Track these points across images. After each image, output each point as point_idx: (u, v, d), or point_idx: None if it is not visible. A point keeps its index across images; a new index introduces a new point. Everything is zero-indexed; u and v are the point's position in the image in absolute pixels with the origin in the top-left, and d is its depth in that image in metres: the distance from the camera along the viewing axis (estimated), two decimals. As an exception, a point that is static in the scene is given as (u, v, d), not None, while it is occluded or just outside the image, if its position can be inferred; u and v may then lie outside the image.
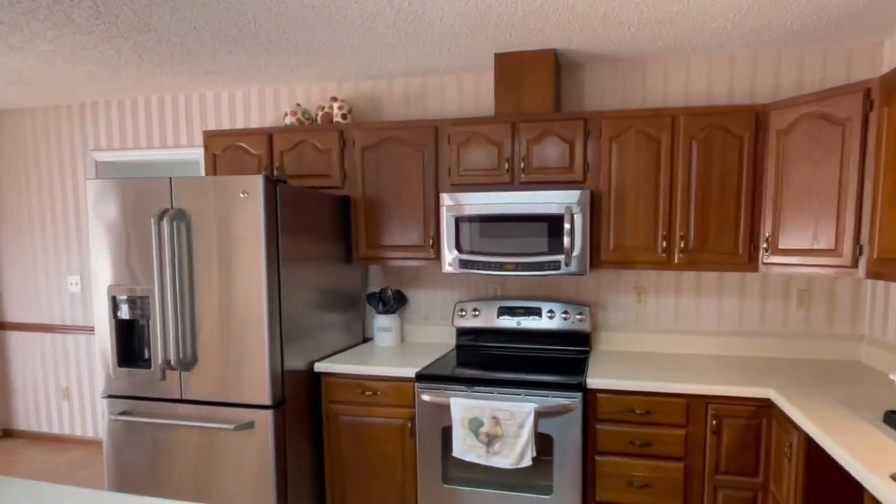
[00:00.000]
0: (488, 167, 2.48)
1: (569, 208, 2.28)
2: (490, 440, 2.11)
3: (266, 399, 2.17)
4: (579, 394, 2.10)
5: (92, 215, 2.26)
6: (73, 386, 3.59)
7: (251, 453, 2.19)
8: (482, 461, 2.12)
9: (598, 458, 2.15)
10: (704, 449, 2.07)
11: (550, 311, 2.65)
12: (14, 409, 3.74)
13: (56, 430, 3.67)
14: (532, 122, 2.41)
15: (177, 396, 2.25)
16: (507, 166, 2.45)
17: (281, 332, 2.22)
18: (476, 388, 2.20)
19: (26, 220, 3.58)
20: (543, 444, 2.13)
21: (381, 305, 2.84)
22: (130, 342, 2.34)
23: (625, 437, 2.12)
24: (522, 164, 2.43)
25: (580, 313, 2.62)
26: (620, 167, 2.34)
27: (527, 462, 2.07)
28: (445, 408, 2.21)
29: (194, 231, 2.17)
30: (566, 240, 2.28)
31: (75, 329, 3.53)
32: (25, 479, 3.09)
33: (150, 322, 2.23)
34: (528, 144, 2.43)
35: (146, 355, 2.31)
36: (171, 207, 2.18)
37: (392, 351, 2.72)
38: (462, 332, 2.79)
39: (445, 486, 2.27)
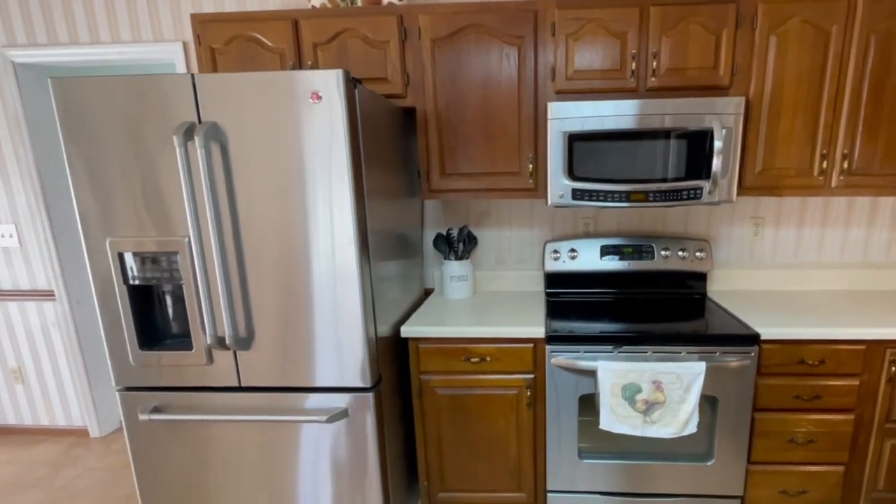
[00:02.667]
0: (607, 67, 2.00)
1: (720, 121, 1.88)
2: (648, 408, 1.81)
3: (363, 379, 1.74)
4: (755, 347, 1.81)
5: (65, 136, 1.53)
6: (26, 366, 2.91)
7: (343, 447, 1.80)
8: (637, 432, 1.83)
9: (756, 415, 1.92)
10: (877, 398, 1.91)
11: (666, 249, 2.32)
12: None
13: (12, 421, 3.03)
14: (667, 5, 1.92)
15: (232, 384, 1.77)
16: (632, 67, 1.97)
17: (372, 291, 1.70)
18: (625, 347, 1.84)
19: None
20: (703, 405, 1.85)
21: (449, 250, 2.35)
22: (149, 315, 1.74)
23: (790, 391, 1.91)
24: (655, 64, 1.96)
25: (700, 250, 2.31)
26: (778, 68, 1.96)
27: (691, 429, 1.81)
28: (586, 373, 1.88)
29: (233, 155, 1.54)
30: (715, 161, 1.91)
31: (17, 294, 2.79)
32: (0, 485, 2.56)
33: (185, 287, 1.65)
34: (661, 37, 1.94)
35: (174, 332, 1.79)
36: (199, 120, 1.50)
37: (472, 304, 2.29)
38: (554, 278, 2.41)
39: (583, 461, 1.96)
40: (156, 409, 1.76)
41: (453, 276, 2.38)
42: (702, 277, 2.36)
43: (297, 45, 2.05)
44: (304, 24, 2.03)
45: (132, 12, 2.38)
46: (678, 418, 1.80)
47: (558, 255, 2.38)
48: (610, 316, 2.12)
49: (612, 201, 2.02)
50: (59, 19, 2.42)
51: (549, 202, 2.04)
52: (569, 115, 1.96)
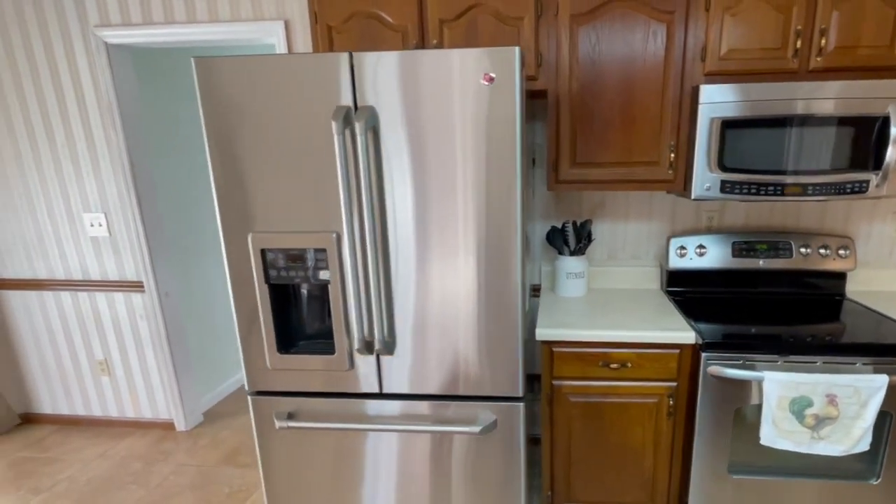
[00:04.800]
0: (767, 46, 1.78)
1: (899, 107, 1.66)
2: (818, 423, 1.64)
3: (516, 388, 1.59)
4: (944, 358, 1.61)
5: (206, 122, 1.37)
6: (113, 358, 2.82)
7: (489, 459, 1.66)
8: (802, 449, 1.66)
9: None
10: None
11: (805, 246, 2.11)
12: (32, 389, 2.97)
13: (97, 413, 2.95)
14: (843, -26, 1.69)
15: (373, 390, 1.62)
16: (795, 45, 1.75)
17: (524, 291, 1.54)
18: (791, 356, 1.66)
19: (6, 141, 2.55)
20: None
21: (564, 244, 2.18)
22: (285, 316, 1.61)
23: (971, 407, 1.69)
24: (823, 42, 1.74)
25: (843, 248, 2.11)
26: (968, 47, 1.71)
27: (863, 447, 1.65)
28: (743, 384, 1.70)
29: (385, 142, 1.37)
30: (890, 151, 1.68)
31: (105, 285, 2.68)
32: (91, 477, 2.53)
33: (331, 286, 1.51)
34: (832, 11, 1.72)
35: (308, 334, 1.66)
36: (356, 105, 1.33)
37: (592, 304, 2.13)
38: (679, 276, 2.22)
39: (733, 476, 1.80)
40: (290, 416, 1.63)
41: (569, 272, 2.20)
42: (842, 277, 2.16)
43: (420, 23, 1.86)
44: (431, 1, 1.84)
45: None
46: (851, 435, 1.63)
47: (685, 251, 2.19)
48: (755, 319, 1.93)
49: (766, 195, 1.82)
50: None
51: (693, 195, 1.85)
52: (724, 100, 1.75)
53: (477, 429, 1.56)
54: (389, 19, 1.87)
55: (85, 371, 2.85)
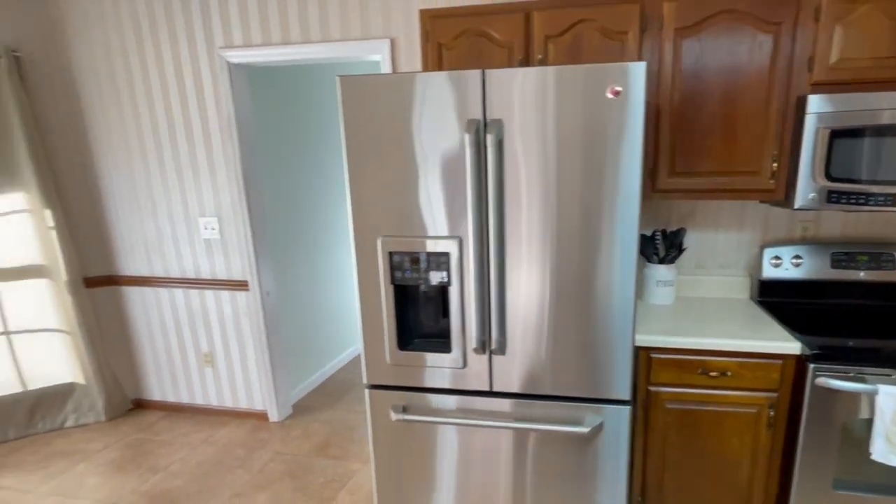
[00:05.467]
0: (880, 55, 1.72)
1: None
2: (937, 440, 1.54)
3: (624, 391, 1.60)
4: None
5: (347, 134, 1.46)
6: (217, 351, 2.99)
7: (592, 460, 1.67)
8: (918, 466, 1.57)
9: None
10: None
11: (910, 257, 2.01)
12: (145, 377, 3.18)
13: (199, 401, 3.13)
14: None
15: (483, 388, 1.66)
16: (911, 53, 1.69)
17: (635, 297, 1.55)
18: (906, 370, 1.59)
19: (136, 148, 2.78)
20: None
21: (654, 252, 2.16)
22: (405, 315, 1.69)
23: None
24: (942, 49, 1.67)
25: (953, 259, 1.99)
26: None
27: None
28: (852, 397, 1.65)
29: (507, 153, 1.43)
30: None
31: (214, 283, 2.86)
32: (200, 460, 2.69)
33: (452, 289, 1.57)
34: (952, 18, 1.65)
35: (425, 332, 1.72)
36: (485, 118, 1.38)
37: (683, 312, 2.11)
38: (772, 286, 2.16)
39: (837, 492, 1.74)
40: (405, 409, 1.70)
41: (659, 280, 2.19)
42: (946, 290, 2.05)
43: (526, 39, 1.91)
44: (538, 16, 1.88)
45: (344, 11, 2.33)
46: (974, 452, 1.55)
47: (779, 261, 2.14)
48: (859, 332, 1.87)
49: (874, 205, 1.76)
50: (273, 20, 2.42)
51: (797, 204, 1.81)
52: (832, 109, 1.71)
53: (585, 430, 1.57)
54: (497, 36, 1.93)
55: (191, 362, 3.03)
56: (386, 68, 2.29)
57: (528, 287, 1.54)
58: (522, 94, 1.41)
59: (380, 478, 1.82)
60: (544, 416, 1.64)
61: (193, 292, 2.88)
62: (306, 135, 3.35)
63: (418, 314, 1.70)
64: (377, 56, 2.29)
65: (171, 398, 3.13)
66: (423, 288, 1.66)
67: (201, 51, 2.54)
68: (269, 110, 2.97)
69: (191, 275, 2.87)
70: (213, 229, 2.74)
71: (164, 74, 2.62)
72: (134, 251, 2.92)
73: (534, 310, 1.55)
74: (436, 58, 1.98)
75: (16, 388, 2.79)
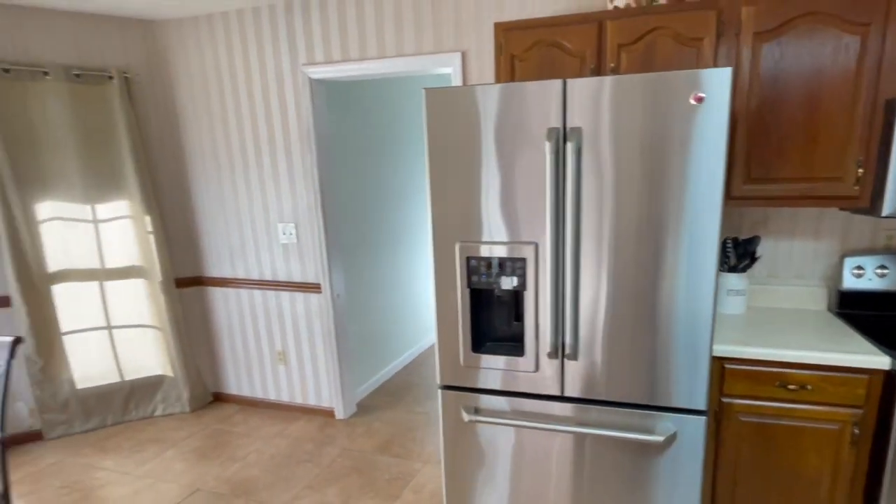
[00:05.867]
0: (982, 54, 1.60)
1: None
2: None
3: (700, 401, 1.55)
4: None
5: (430, 143, 1.52)
6: (290, 349, 3.12)
7: (665, 471, 1.62)
8: None
9: None
10: None
11: None
12: (223, 373, 3.36)
13: (272, 397, 3.28)
14: None
15: (554, 392, 1.66)
16: None
17: (715, 304, 1.51)
18: None
19: (224, 159, 2.97)
20: None
21: (725, 260, 2.09)
22: (478, 319, 1.72)
23: None
24: None
25: None
26: None
27: None
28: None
29: (585, 160, 1.45)
30: None
31: (291, 286, 3.00)
32: (273, 453, 2.81)
33: (527, 293, 1.60)
34: None
35: (498, 336, 1.74)
36: (565, 126, 1.40)
37: (754, 321, 2.03)
38: (853, 297, 2.04)
39: (935, 516, 1.60)
40: (476, 411, 1.72)
41: (730, 289, 2.11)
42: None
43: (598, 48, 1.92)
44: (611, 26, 1.88)
45: (418, 26, 2.41)
46: None
47: (862, 271, 2.02)
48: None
49: (979, 213, 1.64)
50: (352, 37, 2.54)
51: (885, 212, 1.70)
52: (929, 113, 1.61)
53: (660, 438, 1.54)
54: (569, 46, 1.94)
55: (266, 359, 3.18)
56: (456, 80, 2.35)
57: (602, 293, 1.53)
58: (602, 102, 1.41)
59: (449, 477, 1.85)
60: (615, 423, 1.61)
61: (270, 293, 3.04)
62: (376, 144, 3.46)
63: (492, 318, 1.72)
64: (448, 68, 2.36)
65: (246, 392, 3.29)
66: (497, 292, 1.68)
67: (286, 68, 2.70)
68: (344, 121, 3.10)
69: (269, 277, 3.02)
70: (290, 234, 2.88)
71: (251, 92, 2.79)
72: (219, 254, 3.11)
73: (608, 316, 1.54)
74: (508, 69, 2.01)
75: (115, 379, 3.03)
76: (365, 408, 3.26)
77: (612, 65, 1.91)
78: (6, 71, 2.51)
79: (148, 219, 2.91)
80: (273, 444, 2.83)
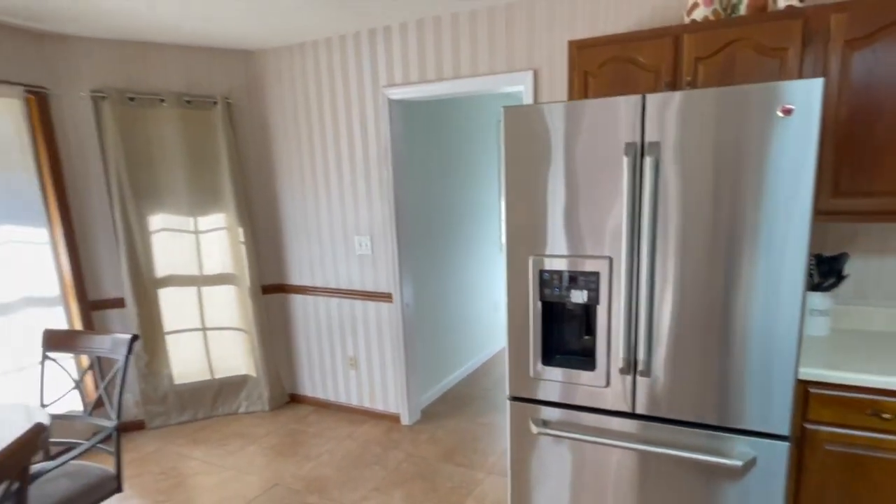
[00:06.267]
0: None
1: None
2: None
3: (783, 426, 1.45)
4: None
5: (507, 157, 1.55)
6: (360, 355, 3.24)
7: (737, 498, 1.52)
8: None
9: None
10: None
11: None
12: (299, 375, 3.54)
13: (343, 400, 3.41)
14: None
15: (625, 409, 1.62)
16: None
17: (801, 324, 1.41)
18: None
19: (309, 176, 3.18)
20: None
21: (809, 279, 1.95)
22: (549, 332, 1.71)
23: None
24: None
25: None
26: None
27: None
28: None
29: (664, 175, 1.41)
30: None
31: (364, 295, 3.13)
32: (344, 454, 2.88)
33: (600, 308, 1.57)
34: None
35: (568, 349, 1.71)
36: (643, 141, 1.38)
37: (842, 344, 1.87)
38: (970, 322, 1.82)
39: None
40: (544, 423, 1.71)
41: (813, 309, 1.96)
42: None
43: (674, 62, 1.88)
44: (688, 39, 1.84)
45: (492, 47, 2.48)
46: None
47: (977, 293, 1.81)
48: None
49: None
50: (429, 59, 2.66)
51: None
52: None
53: (738, 463, 1.44)
54: (643, 61, 1.92)
55: (338, 364, 3.31)
56: (528, 97, 2.38)
57: (678, 309, 1.48)
58: (681, 116, 1.38)
59: (515, 487, 1.83)
60: (686, 443, 1.54)
61: (345, 301, 3.17)
62: (445, 160, 3.56)
63: (562, 331, 1.71)
64: (520, 86, 2.40)
65: (320, 395, 3.44)
66: (569, 305, 1.67)
67: (367, 90, 2.85)
68: (416, 139, 3.23)
69: (344, 286, 3.16)
70: (365, 246, 3.02)
71: (336, 113, 2.97)
72: (301, 265, 3.31)
73: (684, 332, 1.49)
74: (581, 85, 2.02)
75: (206, 376, 3.27)
76: (428, 415, 3.30)
77: (689, 78, 1.87)
78: (131, 99, 2.85)
79: (241, 230, 3.15)
80: (343, 445, 2.93)
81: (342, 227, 3.10)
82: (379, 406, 3.24)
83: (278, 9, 2.39)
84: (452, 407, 3.43)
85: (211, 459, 2.82)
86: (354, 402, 3.32)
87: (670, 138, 1.41)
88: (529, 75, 2.35)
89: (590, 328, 1.66)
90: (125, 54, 2.80)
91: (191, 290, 3.14)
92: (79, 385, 2.10)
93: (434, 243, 3.48)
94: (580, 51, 1.99)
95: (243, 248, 3.16)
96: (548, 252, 1.59)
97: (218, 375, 3.29)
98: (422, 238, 3.33)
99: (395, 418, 3.19)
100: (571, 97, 2.05)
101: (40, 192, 2.66)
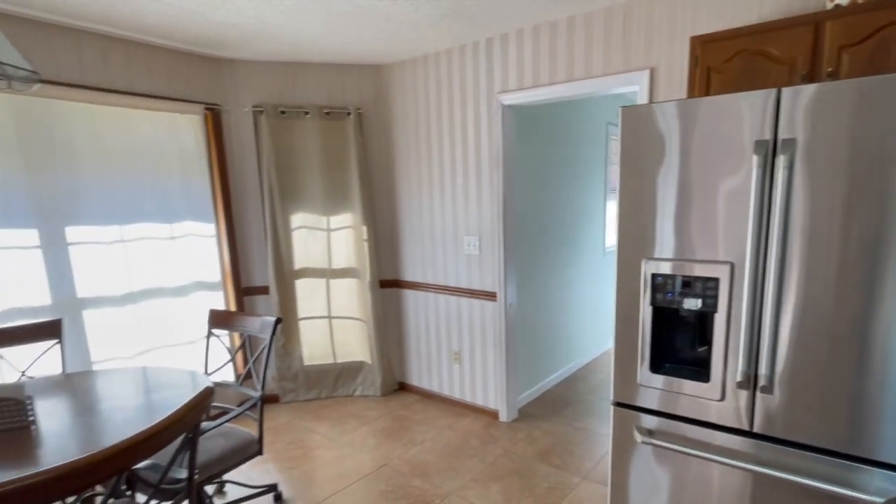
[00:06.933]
0: None
1: None
2: None
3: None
4: None
5: (623, 158, 1.49)
6: (464, 351, 3.32)
7: None
8: None
9: None
10: None
11: None
12: (408, 365, 3.72)
13: (446, 392, 3.52)
14: None
15: (742, 426, 1.46)
16: None
17: None
18: None
19: (425, 179, 3.34)
20: None
21: None
22: (659, 338, 1.61)
23: None
24: None
25: None
26: None
27: None
28: None
29: (798, 174, 1.24)
30: None
31: (471, 293, 3.20)
32: (445, 443, 2.91)
33: (717, 316, 1.44)
34: None
35: (681, 358, 1.58)
36: (776, 138, 1.23)
37: None
38: None
39: None
40: (649, 433, 1.60)
41: None
42: None
43: (813, 52, 1.66)
44: (831, 26, 1.62)
45: (608, 47, 2.41)
46: None
47: None
48: None
49: None
50: (543, 63, 2.66)
51: None
52: None
53: (878, 500, 1.22)
54: (776, 53, 1.72)
55: (443, 357, 3.43)
56: (643, 97, 2.27)
57: (808, 321, 1.29)
58: (826, 110, 1.22)
59: (614, 495, 1.73)
60: (813, 472, 1.33)
61: (452, 299, 3.27)
62: (552, 163, 3.52)
63: (674, 338, 1.58)
64: (634, 87, 2.30)
65: (425, 385, 3.58)
66: (682, 312, 1.55)
67: (482, 97, 2.93)
68: (526, 142, 3.24)
69: (452, 283, 3.26)
70: (474, 246, 3.09)
71: (452, 119, 3.09)
72: (414, 263, 3.48)
73: (814, 347, 1.30)
74: (703, 82, 1.86)
75: (329, 360, 3.59)
76: (526, 414, 3.26)
77: (830, 69, 1.63)
78: (283, 113, 3.24)
79: (364, 229, 3.41)
80: (445, 435, 3.01)
81: (453, 227, 3.20)
82: (479, 401, 3.28)
83: (410, 27, 2.58)
84: (549, 408, 3.36)
85: (331, 435, 3.07)
86: (456, 395, 3.40)
87: (808, 134, 1.24)
88: (646, 75, 2.23)
89: (704, 337, 1.52)
90: (278, 74, 3.19)
91: (320, 282, 3.46)
92: (233, 358, 2.43)
93: (538, 245, 3.44)
94: (704, 46, 1.84)
95: (366, 246, 3.41)
96: (662, 255, 1.49)
97: (339, 360, 3.58)
98: (527, 239, 3.32)
99: (493, 414, 3.20)
100: (692, 95, 1.90)
101: (211, 193, 3.15)
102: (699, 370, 1.52)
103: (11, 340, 2.13)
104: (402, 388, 3.72)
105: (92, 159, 2.57)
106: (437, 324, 3.40)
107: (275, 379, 3.48)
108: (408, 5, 2.28)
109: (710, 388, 1.46)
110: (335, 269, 3.48)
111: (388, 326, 3.64)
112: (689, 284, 1.45)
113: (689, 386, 1.51)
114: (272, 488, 2.43)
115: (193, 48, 2.87)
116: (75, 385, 1.93)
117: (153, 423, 1.16)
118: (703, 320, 1.53)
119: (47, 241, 2.43)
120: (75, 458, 1.02)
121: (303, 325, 3.47)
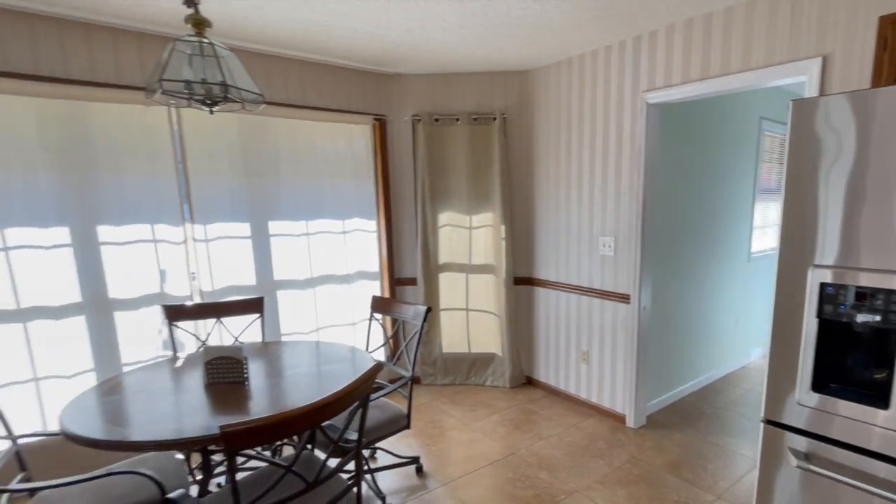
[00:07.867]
0: None
1: None
2: None
3: None
4: None
5: (791, 155, 1.33)
6: (593, 351, 3.22)
7: None
8: None
9: None
10: None
11: None
12: (536, 361, 3.73)
13: (572, 391, 3.45)
14: None
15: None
16: None
17: None
18: None
19: (563, 179, 3.32)
20: None
21: None
22: (824, 355, 1.38)
23: None
24: None
25: None
26: None
27: None
28: None
29: None
30: None
31: (603, 294, 3.10)
32: (571, 441, 2.79)
33: (903, 334, 1.17)
34: None
35: (851, 378, 1.36)
36: None
37: None
38: None
39: None
40: (807, 457, 1.39)
41: None
42: None
43: None
44: None
45: (771, 35, 2.14)
46: None
47: None
48: None
49: None
50: (695, 57, 2.47)
51: None
52: None
53: None
54: None
55: (572, 356, 3.36)
56: (812, 89, 1.97)
57: None
58: None
59: (763, 520, 1.54)
60: None
61: (584, 298, 3.19)
62: (696, 163, 3.23)
63: (843, 356, 1.36)
64: (802, 77, 2.01)
65: (551, 381, 3.54)
66: (856, 328, 1.32)
67: (626, 96, 2.81)
68: (669, 142, 3.02)
69: (584, 284, 3.18)
70: (609, 247, 2.97)
71: (594, 120, 3.01)
72: (547, 260, 3.47)
73: None
74: (893, 68, 1.55)
75: (464, 349, 3.76)
76: (654, 422, 3.03)
77: None
78: (437, 120, 3.48)
79: (503, 228, 3.50)
80: (570, 433, 2.95)
81: (588, 227, 3.12)
82: (605, 403, 3.14)
83: (557, 31, 2.60)
84: (680, 418, 3.08)
85: (464, 420, 3.19)
86: (583, 394, 3.30)
87: None
88: (817, 63, 1.93)
89: (886, 357, 1.27)
90: (434, 84, 3.43)
91: (460, 276, 3.65)
92: (388, 341, 2.68)
93: (677, 248, 3.18)
94: (892, 26, 1.52)
95: (503, 244, 3.50)
96: (835, 263, 1.30)
97: (473, 350, 3.73)
98: (665, 242, 3.09)
99: (620, 418, 3.04)
100: (878, 84, 1.59)
101: (374, 194, 3.53)
102: (875, 394, 1.28)
103: (231, 311, 2.60)
104: (529, 381, 3.73)
105: (288, 165, 3.08)
106: (567, 322, 3.34)
107: (416, 363, 3.75)
108: (558, 12, 2.30)
109: (891, 417, 1.23)
110: (474, 264, 3.63)
111: (520, 322, 3.68)
112: (867, 296, 1.24)
113: (862, 411, 1.29)
114: (415, 460, 2.61)
115: (368, 66, 3.24)
116: (270, 352, 2.28)
117: (339, 389, 1.32)
118: (882, 338, 1.29)
119: (257, 232, 2.99)
120: (292, 408, 1.19)
121: (443, 315, 3.69)
